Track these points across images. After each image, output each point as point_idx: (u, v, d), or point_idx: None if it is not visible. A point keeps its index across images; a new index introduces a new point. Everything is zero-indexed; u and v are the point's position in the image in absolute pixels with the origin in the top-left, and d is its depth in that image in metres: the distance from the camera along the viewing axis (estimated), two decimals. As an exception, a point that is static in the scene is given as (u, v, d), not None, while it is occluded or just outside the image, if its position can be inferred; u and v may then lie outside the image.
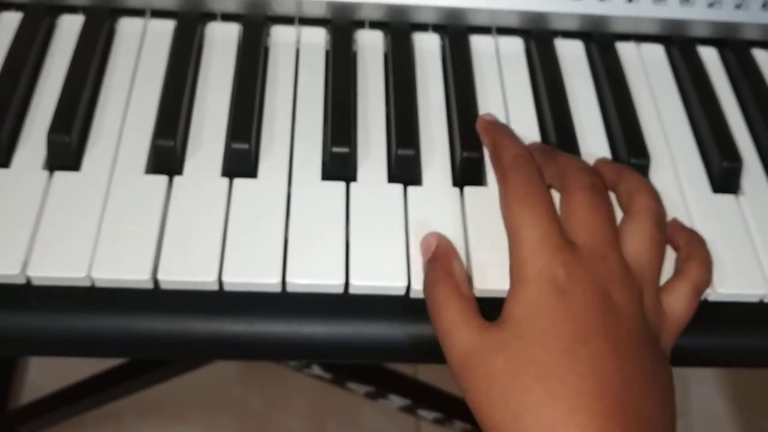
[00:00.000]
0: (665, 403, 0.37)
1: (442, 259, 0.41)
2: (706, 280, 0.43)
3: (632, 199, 0.43)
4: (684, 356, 0.44)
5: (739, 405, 1.27)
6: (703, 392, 1.27)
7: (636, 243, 0.41)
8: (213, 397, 1.20)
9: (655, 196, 0.43)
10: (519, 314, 0.37)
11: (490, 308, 0.39)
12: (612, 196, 0.44)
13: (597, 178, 0.42)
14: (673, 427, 0.38)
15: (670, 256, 0.44)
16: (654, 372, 0.37)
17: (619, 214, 0.43)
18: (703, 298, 0.44)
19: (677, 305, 0.41)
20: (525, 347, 0.36)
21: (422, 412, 1.07)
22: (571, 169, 0.43)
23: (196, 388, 1.19)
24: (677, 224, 0.46)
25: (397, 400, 1.05)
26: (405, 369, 1.12)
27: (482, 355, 0.37)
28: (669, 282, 0.42)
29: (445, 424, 1.09)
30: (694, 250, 0.43)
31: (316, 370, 0.99)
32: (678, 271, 0.43)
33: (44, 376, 1.19)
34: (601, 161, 0.47)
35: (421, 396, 1.06)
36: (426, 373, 1.16)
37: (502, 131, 0.46)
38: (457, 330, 0.38)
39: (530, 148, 0.48)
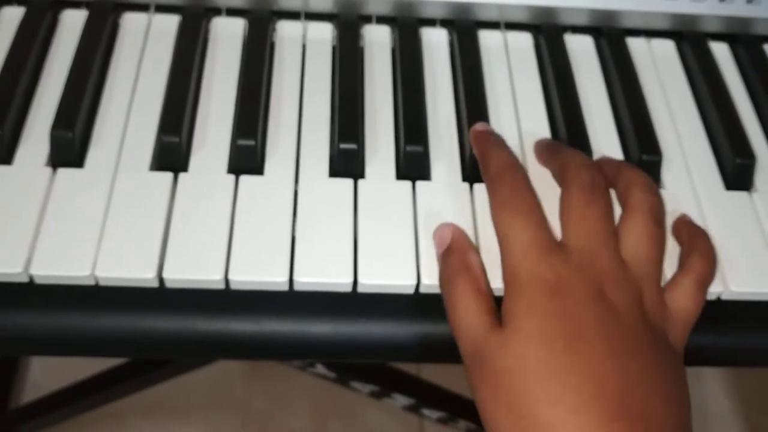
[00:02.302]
0: (674, 402, 0.37)
1: (459, 253, 0.41)
2: (710, 273, 0.42)
3: (628, 193, 0.42)
4: (697, 356, 0.44)
5: (742, 403, 1.26)
6: (706, 391, 1.26)
7: (633, 240, 0.40)
8: (216, 396, 1.20)
9: (650, 189, 0.42)
10: (517, 312, 0.37)
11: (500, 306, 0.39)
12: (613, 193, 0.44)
13: (597, 174, 0.42)
14: (684, 423, 0.37)
15: (676, 251, 0.44)
16: (659, 370, 0.37)
17: (618, 211, 0.43)
18: (715, 297, 0.44)
19: (682, 300, 0.40)
20: (526, 343, 0.36)
21: (426, 412, 1.07)
22: (572, 164, 0.43)
23: (198, 387, 1.18)
24: (683, 219, 0.45)
25: (401, 400, 1.04)
26: (407, 367, 1.12)
27: (489, 353, 0.37)
28: (672, 278, 0.42)
29: (449, 424, 1.09)
30: (697, 243, 0.43)
31: (320, 369, 0.99)
32: (681, 266, 0.42)
33: (46, 375, 1.19)
34: (602, 158, 0.47)
35: (426, 395, 1.05)
36: (429, 372, 1.15)
37: (490, 140, 0.45)
38: (471, 327, 0.38)
39: (536, 145, 0.47)
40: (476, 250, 0.42)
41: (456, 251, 0.41)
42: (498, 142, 0.45)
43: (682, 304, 0.40)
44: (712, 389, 1.27)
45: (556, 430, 0.34)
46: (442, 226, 0.43)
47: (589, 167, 0.42)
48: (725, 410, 1.26)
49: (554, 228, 0.41)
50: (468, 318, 0.38)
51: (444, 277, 0.41)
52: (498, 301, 0.39)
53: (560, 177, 0.43)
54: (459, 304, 0.39)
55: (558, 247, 0.39)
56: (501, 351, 0.36)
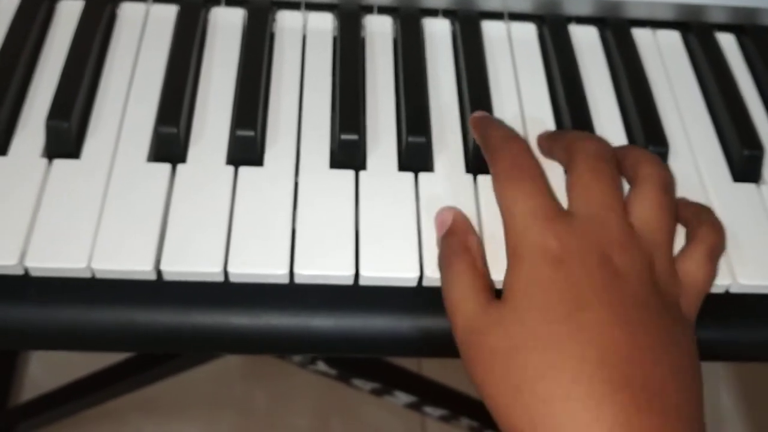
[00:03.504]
0: (682, 371, 0.35)
1: (460, 234, 0.40)
2: (720, 244, 0.41)
3: (636, 169, 0.41)
4: (705, 350, 0.43)
5: (746, 401, 1.26)
6: (710, 389, 1.26)
7: (643, 209, 0.39)
8: (215, 394, 1.19)
9: (659, 164, 0.41)
10: (516, 287, 0.36)
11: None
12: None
13: (604, 145, 0.41)
14: (694, 396, 0.35)
15: (681, 233, 0.43)
16: (668, 339, 0.36)
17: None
18: (724, 290, 0.43)
19: (694, 270, 0.39)
20: (523, 319, 0.35)
21: (428, 409, 1.06)
22: (578, 139, 0.42)
23: (198, 385, 1.18)
24: (684, 201, 0.44)
25: (402, 397, 1.04)
26: (409, 365, 1.11)
27: (483, 330, 0.36)
28: (683, 249, 0.41)
29: (451, 421, 1.08)
30: (704, 217, 0.42)
31: (321, 366, 0.98)
32: (691, 238, 0.41)
33: (45, 373, 1.18)
34: None
35: (428, 393, 1.05)
36: (430, 369, 1.14)
37: (490, 121, 0.45)
38: (464, 304, 0.38)
39: (539, 138, 0.47)
40: (476, 233, 0.41)
41: (456, 233, 0.41)
42: (497, 120, 0.45)
43: (694, 275, 0.39)
44: (715, 387, 1.26)
45: (556, 402, 0.33)
46: (443, 210, 0.42)
47: (596, 138, 0.42)
48: (729, 408, 1.25)
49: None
50: (463, 296, 0.38)
51: (442, 257, 0.40)
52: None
53: (567, 154, 0.42)
54: (455, 282, 0.38)
55: (563, 214, 0.38)
56: (497, 328, 0.36)
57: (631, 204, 0.40)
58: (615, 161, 0.41)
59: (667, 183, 0.41)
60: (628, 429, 0.32)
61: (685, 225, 0.43)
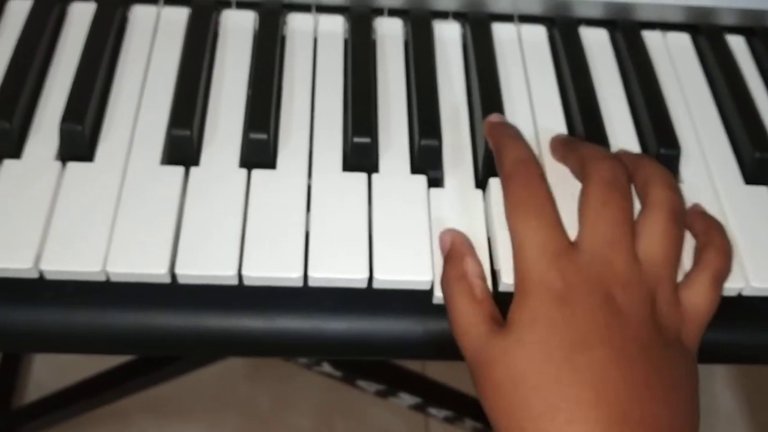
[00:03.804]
0: (679, 406, 0.36)
1: (455, 260, 0.41)
2: (726, 269, 0.41)
3: (647, 189, 0.41)
4: (717, 353, 0.43)
5: (749, 401, 1.26)
6: (713, 389, 1.26)
7: (649, 240, 0.39)
8: (219, 395, 1.19)
9: (670, 186, 0.41)
10: (521, 321, 0.37)
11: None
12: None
13: (618, 168, 0.41)
14: (691, 429, 0.37)
15: (691, 242, 0.43)
16: (665, 374, 0.36)
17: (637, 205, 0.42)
18: (736, 293, 0.43)
19: (698, 298, 0.40)
20: (525, 356, 0.36)
21: (432, 410, 1.06)
22: (592, 159, 0.42)
23: (202, 386, 1.18)
24: (698, 210, 0.44)
25: (407, 398, 1.04)
26: (413, 366, 1.11)
27: (488, 362, 0.37)
28: (688, 275, 0.41)
29: (455, 423, 1.08)
30: (712, 238, 0.42)
31: (327, 367, 0.98)
32: (696, 262, 0.41)
33: (49, 374, 1.18)
34: (621, 152, 0.46)
35: (432, 394, 1.05)
36: (434, 370, 1.14)
37: (505, 132, 0.45)
38: (468, 335, 0.38)
39: (553, 141, 0.47)
40: (475, 255, 0.41)
41: (452, 259, 0.41)
42: (513, 133, 0.44)
43: (698, 302, 0.40)
44: (718, 387, 1.26)
45: None
46: (443, 232, 0.42)
47: (610, 160, 0.42)
48: (732, 408, 1.25)
49: (571, 225, 0.40)
50: (466, 326, 0.38)
51: (443, 285, 0.41)
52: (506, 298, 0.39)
53: (580, 171, 0.42)
54: (456, 312, 0.39)
55: (570, 250, 0.38)
56: (502, 360, 0.36)
57: (639, 231, 0.40)
58: (628, 183, 0.41)
59: (676, 211, 0.41)
60: None
61: (695, 237, 0.43)
